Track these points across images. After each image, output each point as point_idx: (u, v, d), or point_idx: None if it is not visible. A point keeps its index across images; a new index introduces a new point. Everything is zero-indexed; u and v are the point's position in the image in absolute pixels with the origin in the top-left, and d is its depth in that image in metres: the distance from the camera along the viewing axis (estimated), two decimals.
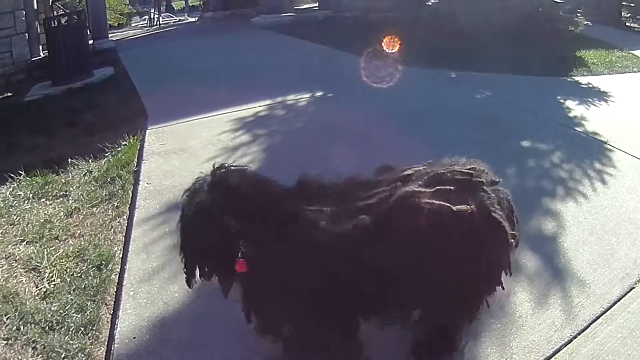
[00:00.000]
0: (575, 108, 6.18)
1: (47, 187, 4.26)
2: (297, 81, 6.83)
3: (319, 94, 6.39)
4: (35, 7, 9.13)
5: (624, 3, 18.32)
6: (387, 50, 8.10)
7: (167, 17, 19.71)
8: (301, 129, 5.34)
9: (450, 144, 4.70)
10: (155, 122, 5.53)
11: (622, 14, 18.81)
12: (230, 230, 1.91)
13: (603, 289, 2.97)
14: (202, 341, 2.60)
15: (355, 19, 10.71)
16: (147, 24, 17.71)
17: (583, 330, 2.68)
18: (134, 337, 2.63)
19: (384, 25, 9.43)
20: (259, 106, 5.92)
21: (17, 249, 3.44)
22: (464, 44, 8.54)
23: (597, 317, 2.77)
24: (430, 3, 10.78)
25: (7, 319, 2.79)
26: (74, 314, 2.81)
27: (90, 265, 3.22)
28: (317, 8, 13.50)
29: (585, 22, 10.32)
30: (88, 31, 9.13)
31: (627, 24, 18.49)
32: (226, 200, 1.96)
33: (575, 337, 2.64)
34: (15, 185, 4.34)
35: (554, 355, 2.53)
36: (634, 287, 3.01)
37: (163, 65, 8.54)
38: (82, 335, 2.68)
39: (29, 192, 4.17)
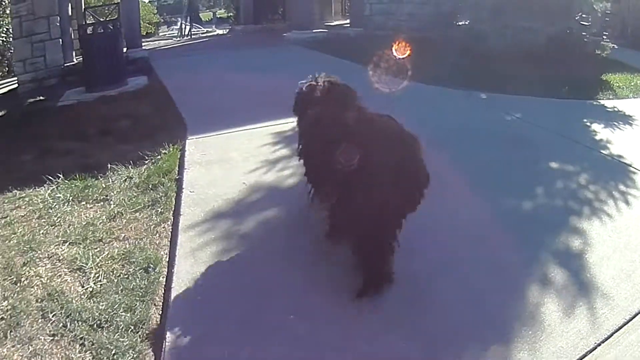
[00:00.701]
0: (600, 131, 6.39)
1: (86, 190, 4.36)
2: None
3: None
4: (70, 13, 9.44)
5: None
6: (415, 70, 8.38)
7: (196, 29, 20.10)
8: None
9: (481, 165, 5.02)
10: (194, 132, 5.72)
11: None
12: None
13: (625, 302, 3.22)
14: (250, 340, 2.78)
15: (386, 38, 11.05)
16: (177, 34, 18.10)
17: (607, 339, 2.93)
18: (185, 336, 2.77)
19: (415, 44, 9.74)
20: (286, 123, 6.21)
21: (60, 249, 3.52)
22: (493, 66, 8.84)
23: (620, 327, 3.02)
24: (460, 23, 11.07)
25: (52, 316, 2.87)
26: (123, 313, 2.91)
27: (138, 268, 3.33)
28: (347, 25, 13.86)
29: (612, 46, 10.54)
30: (123, 40, 9.47)
31: None
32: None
33: (599, 344, 2.89)
34: (54, 187, 4.44)
35: None
36: None
37: (197, 77, 8.76)
38: (132, 333, 2.77)
39: (68, 195, 4.29)
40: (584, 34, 9.61)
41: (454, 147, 5.47)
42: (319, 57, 10.59)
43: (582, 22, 9.75)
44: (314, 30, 12.67)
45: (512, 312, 3.11)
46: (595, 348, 2.87)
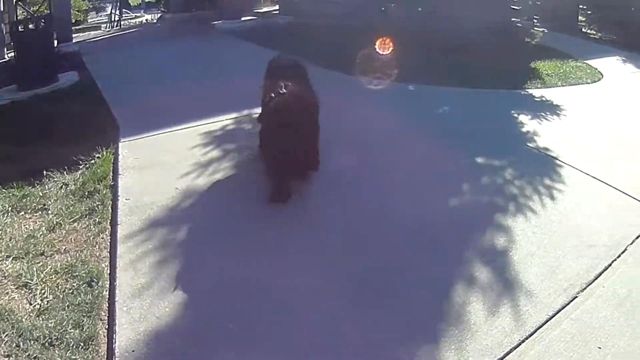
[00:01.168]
0: (528, 123, 6.99)
1: (24, 200, 4.62)
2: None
3: None
4: (2, 7, 9.36)
5: (581, 9, 19.86)
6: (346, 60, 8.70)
7: (125, 14, 20.68)
8: None
9: (407, 163, 5.41)
10: (127, 133, 5.99)
11: (579, 20, 20.41)
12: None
13: (549, 299, 3.64)
14: (197, 353, 3.07)
15: (316, 26, 11.40)
16: (107, 23, 18.14)
17: (530, 335, 3.33)
18: (133, 351, 3.03)
19: (345, 33, 10.14)
20: (227, 119, 6.45)
21: (5, 265, 3.78)
22: (424, 55, 9.34)
23: (543, 324, 3.43)
24: (384, 8, 11.54)
25: (5, 336, 3.09)
26: (72, 330, 3.16)
27: (81, 282, 3.60)
28: (277, 12, 14.19)
29: (543, 30, 11.36)
30: (54, 35, 9.65)
31: (584, 29, 20.02)
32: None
33: (523, 341, 3.28)
34: None
35: (505, 357, 3.16)
36: (576, 297, 3.69)
37: (128, 72, 9.01)
38: (82, 350, 3.04)
39: (7, 205, 4.52)
40: (514, 20, 10.27)
41: (377, 143, 5.83)
42: (249, 48, 10.87)
43: (513, 7, 10.41)
44: (243, 19, 13.11)
45: (438, 312, 3.46)
46: (519, 344, 3.26)
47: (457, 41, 9.61)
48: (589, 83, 10.09)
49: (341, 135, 5.86)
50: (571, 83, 9.74)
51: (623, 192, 5.27)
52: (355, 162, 5.39)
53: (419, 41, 9.76)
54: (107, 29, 16.84)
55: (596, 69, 11.63)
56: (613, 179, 5.49)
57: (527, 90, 8.76)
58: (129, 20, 19.43)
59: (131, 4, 28.20)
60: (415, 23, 9.96)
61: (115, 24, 17.97)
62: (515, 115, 7.31)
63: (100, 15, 23.50)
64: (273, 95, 4.59)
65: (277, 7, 15.26)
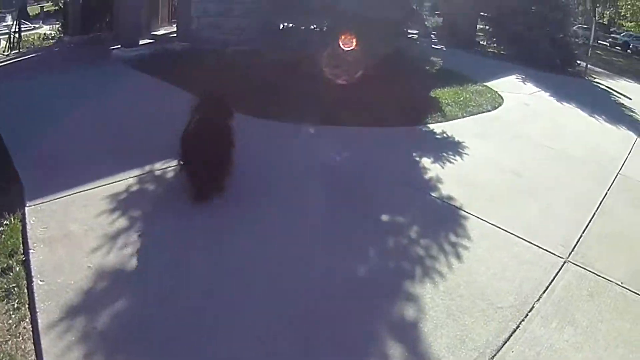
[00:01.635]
0: (430, 167, 7.51)
1: None
2: (163, 142, 7.36)
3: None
4: None
5: (479, 26, 21.36)
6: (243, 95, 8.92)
7: (24, 25, 21.15)
8: None
9: (306, 221, 5.71)
10: (32, 196, 5.87)
11: (477, 36, 21.94)
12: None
13: None
14: None
15: (213, 53, 11.77)
16: (5, 47, 17.65)
17: None
18: None
19: (241, 62, 10.49)
20: (130, 177, 6.41)
21: None
22: (323, 89, 9.75)
23: None
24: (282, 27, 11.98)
25: None
26: None
27: None
28: (174, 35, 14.53)
29: (440, 47, 12.15)
30: None
31: (483, 44, 21.51)
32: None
33: None
34: None
35: None
36: None
37: (28, 113, 8.70)
38: None
39: None
40: (414, 47, 10.95)
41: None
42: (148, 82, 10.90)
43: (410, 34, 11.08)
44: (141, 44, 13.52)
45: None
46: None
47: (359, 73, 10.08)
48: (489, 110, 10.96)
49: None
50: (472, 112, 10.50)
51: (528, 242, 5.88)
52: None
53: (311, 73, 10.13)
54: (6, 51, 16.42)
55: (496, 92, 12.63)
56: (518, 227, 6.09)
57: (427, 125, 9.35)
58: (29, 33, 19.71)
59: (30, 15, 28.03)
60: (306, 52, 10.31)
61: (15, 40, 17.61)
62: (417, 158, 7.81)
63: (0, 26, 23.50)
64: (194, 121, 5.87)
65: (174, 27, 15.67)
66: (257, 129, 8.21)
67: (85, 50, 14.14)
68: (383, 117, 9.21)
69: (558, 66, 19.17)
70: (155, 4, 16.36)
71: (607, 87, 18.43)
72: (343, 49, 10.04)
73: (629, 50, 42.30)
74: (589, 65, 20.46)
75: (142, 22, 15.01)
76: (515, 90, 13.86)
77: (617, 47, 43.30)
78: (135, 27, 13.52)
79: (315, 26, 11.12)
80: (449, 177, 7.21)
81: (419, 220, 6.08)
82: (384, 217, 6.13)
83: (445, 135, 8.94)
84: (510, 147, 8.85)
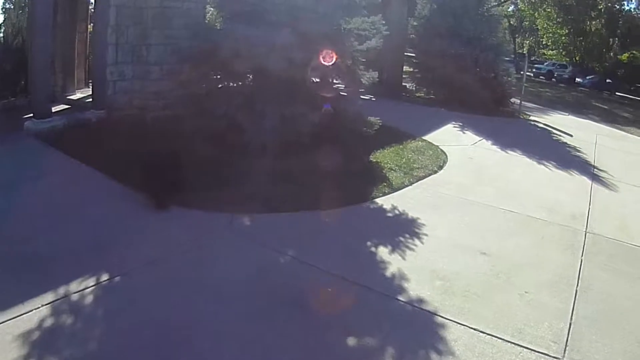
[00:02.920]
0: (390, 259, 6.74)
1: None
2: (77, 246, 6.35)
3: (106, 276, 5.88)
4: None
5: (409, 72, 21.13)
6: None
7: None
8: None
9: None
10: None
11: (405, 84, 21.76)
12: None
13: None
14: None
15: (133, 122, 11.00)
16: None
17: None
18: None
19: (164, 131, 9.79)
20: (42, 305, 5.13)
21: None
22: (252, 163, 8.94)
23: None
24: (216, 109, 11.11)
25: None
26: None
27: None
28: (90, 100, 13.50)
29: (370, 97, 11.58)
30: None
31: (409, 86, 21.27)
32: None
33: None
34: None
35: None
36: None
37: None
38: None
39: None
40: (348, 106, 10.24)
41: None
42: (59, 164, 9.65)
43: (340, 91, 10.40)
44: (55, 111, 12.26)
45: None
46: None
47: (291, 144, 9.26)
48: (435, 171, 10.53)
49: None
50: (418, 176, 10.01)
51: (519, 345, 5.27)
52: None
53: (238, 143, 9.27)
54: None
55: (437, 147, 12.24)
56: (503, 327, 5.51)
57: (375, 200, 8.64)
58: None
59: None
60: (231, 118, 9.49)
61: None
62: (373, 248, 7.04)
63: None
64: None
65: (89, 89, 14.66)
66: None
67: None
68: (324, 194, 8.39)
69: (491, 107, 19.06)
70: (70, 65, 15.03)
71: (544, 124, 18.69)
72: (272, 113, 9.21)
73: (553, 79, 43.65)
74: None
75: (57, 82, 14.06)
76: (456, 142, 13.48)
77: (541, 77, 44.60)
78: (47, 95, 12.22)
79: (239, 85, 10.33)
80: (413, 272, 6.46)
81: (392, 338, 5.23)
82: (349, 341, 5.20)
83: (397, 211, 8.28)
84: (468, 219, 8.27)
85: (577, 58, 49.00)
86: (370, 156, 10.47)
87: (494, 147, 13.71)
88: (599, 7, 45.37)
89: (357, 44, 10.18)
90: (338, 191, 8.56)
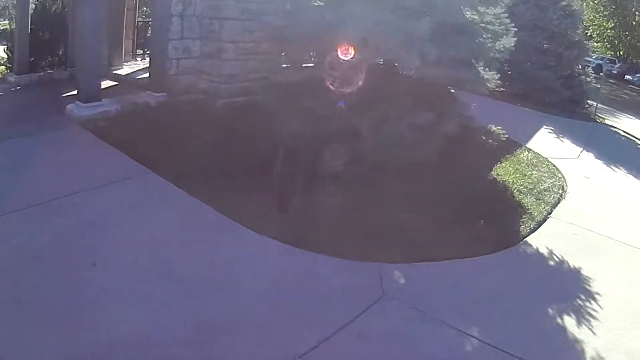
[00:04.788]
0: (581, 337, 5.43)
1: None
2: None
3: None
4: None
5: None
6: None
7: None
8: None
9: None
10: None
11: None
12: None
13: None
14: None
15: (200, 109, 9.50)
16: None
17: None
18: None
19: (244, 127, 8.26)
20: None
21: None
22: (367, 182, 7.49)
23: None
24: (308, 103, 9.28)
25: None
26: None
27: None
28: (142, 78, 11.70)
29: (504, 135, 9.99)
30: None
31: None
32: None
33: None
34: None
35: None
36: None
37: None
38: None
39: None
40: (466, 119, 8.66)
41: None
42: (122, 169, 7.58)
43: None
44: (102, 103, 9.61)
45: None
46: None
47: (403, 155, 7.66)
48: (561, 195, 9.34)
49: None
50: (551, 203, 8.75)
51: None
52: None
53: (352, 153, 7.68)
54: None
55: (547, 160, 11.36)
56: None
57: (527, 241, 7.29)
58: None
59: None
60: (336, 120, 7.78)
61: None
62: (557, 319, 5.67)
63: None
64: None
65: (140, 63, 13.19)
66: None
67: (34, 99, 10.73)
68: (466, 231, 6.99)
69: (568, 107, 17.80)
70: (118, 35, 12.86)
71: (624, 132, 17.50)
72: (397, 120, 7.53)
73: (601, 74, 41.72)
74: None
75: (104, 54, 11.94)
76: (561, 153, 12.21)
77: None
78: (97, 74, 9.98)
79: (345, 80, 8.10)
80: (612, 354, 5.18)
81: None
82: None
83: (555, 258, 6.92)
84: (631, 271, 7.03)
85: (621, 52, 47.04)
86: (492, 171, 9.00)
87: (599, 161, 12.43)
88: None
89: (490, 41, 8.36)
90: (481, 227, 7.19)
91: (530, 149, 11.38)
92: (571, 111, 17.70)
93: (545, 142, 12.76)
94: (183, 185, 7.16)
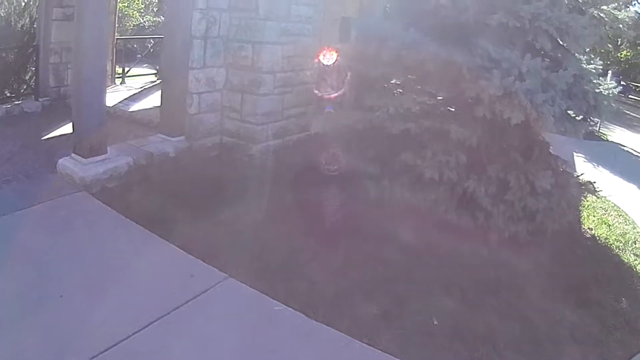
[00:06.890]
0: None
1: None
2: None
3: None
4: None
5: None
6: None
7: None
8: None
9: None
10: None
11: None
12: None
13: None
14: None
15: (232, 159, 8.54)
16: None
17: None
18: None
19: (309, 186, 7.19)
20: None
21: None
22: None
23: None
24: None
25: None
26: None
27: None
28: (132, 111, 10.68)
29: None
30: None
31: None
32: None
33: None
34: None
35: None
36: None
37: None
38: None
39: None
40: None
41: None
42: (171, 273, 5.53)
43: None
44: (112, 158, 7.67)
45: None
46: None
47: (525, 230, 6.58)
48: None
49: None
50: None
51: None
52: None
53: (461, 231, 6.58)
54: None
55: (606, 199, 10.00)
56: None
57: None
58: None
59: None
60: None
61: None
62: None
63: None
64: None
65: (121, 88, 12.05)
66: None
67: (5, 144, 8.49)
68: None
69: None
70: None
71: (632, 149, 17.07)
72: (518, 183, 6.46)
73: None
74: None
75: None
76: (612, 189, 10.73)
77: None
78: (100, 116, 7.67)
79: (437, 128, 6.81)
80: None
81: None
82: None
83: None
84: None
85: None
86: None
87: None
88: None
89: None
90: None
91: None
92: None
93: (589, 174, 11.57)
94: (280, 296, 5.16)
